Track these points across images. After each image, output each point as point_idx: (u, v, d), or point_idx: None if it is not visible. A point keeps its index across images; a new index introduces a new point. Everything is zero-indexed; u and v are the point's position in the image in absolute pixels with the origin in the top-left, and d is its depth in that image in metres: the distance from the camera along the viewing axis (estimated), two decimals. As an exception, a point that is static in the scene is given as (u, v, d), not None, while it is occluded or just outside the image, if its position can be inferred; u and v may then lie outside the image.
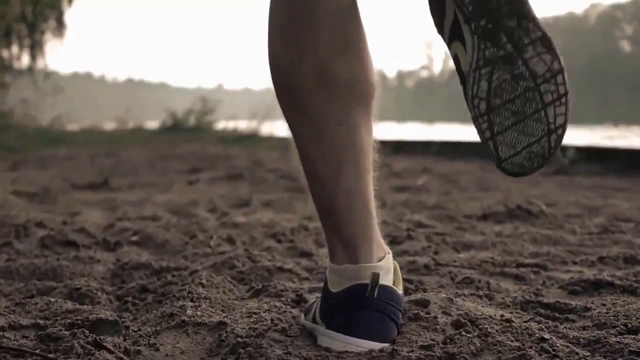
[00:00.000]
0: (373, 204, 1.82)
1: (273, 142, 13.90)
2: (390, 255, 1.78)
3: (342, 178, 1.73)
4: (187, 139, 16.16)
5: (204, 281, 2.16)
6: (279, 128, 16.97)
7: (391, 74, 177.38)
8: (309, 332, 1.76)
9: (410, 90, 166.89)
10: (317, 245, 2.99)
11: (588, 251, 2.85)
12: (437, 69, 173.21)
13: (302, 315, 1.86)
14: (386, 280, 1.70)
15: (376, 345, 1.63)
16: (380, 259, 1.73)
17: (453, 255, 2.69)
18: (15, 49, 26.45)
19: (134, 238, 3.09)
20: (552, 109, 1.59)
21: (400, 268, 1.96)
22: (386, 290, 1.69)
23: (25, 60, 26.27)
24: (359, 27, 1.69)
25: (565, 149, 9.49)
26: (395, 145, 12.17)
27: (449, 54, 1.70)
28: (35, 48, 26.35)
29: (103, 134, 19.16)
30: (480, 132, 1.62)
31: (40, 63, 26.45)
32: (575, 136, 15.44)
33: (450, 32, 1.67)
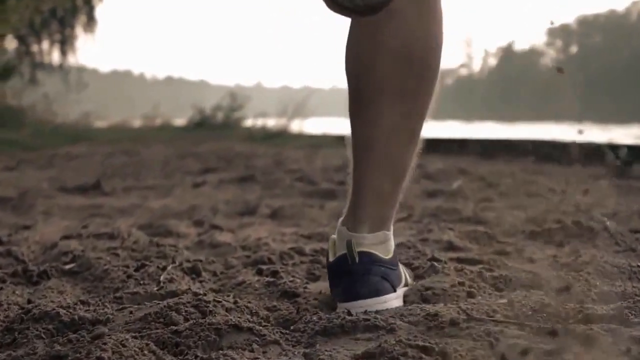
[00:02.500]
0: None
1: (302, 139, 13.21)
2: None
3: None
4: (214, 136, 15.50)
5: (108, 353, 1.40)
6: (309, 125, 16.35)
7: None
8: None
9: (448, 89, 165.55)
10: (307, 279, 2.23)
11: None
12: (476, 67, 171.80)
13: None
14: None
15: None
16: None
17: (492, 300, 1.90)
18: (45, 44, 26.03)
19: (69, 266, 2.34)
20: None
21: (416, 323, 1.72)
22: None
23: (56, 56, 25.85)
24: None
25: (616, 147, 8.69)
26: (430, 143, 11.34)
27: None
28: (66, 44, 25.87)
29: (129, 131, 18.54)
30: None
31: (71, 59, 25.95)
32: (623, 135, 14.58)
33: None
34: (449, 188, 5.57)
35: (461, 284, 2.00)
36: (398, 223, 3.81)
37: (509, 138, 11.34)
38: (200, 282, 2.19)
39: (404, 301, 1.93)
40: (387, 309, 1.83)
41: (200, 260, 2.43)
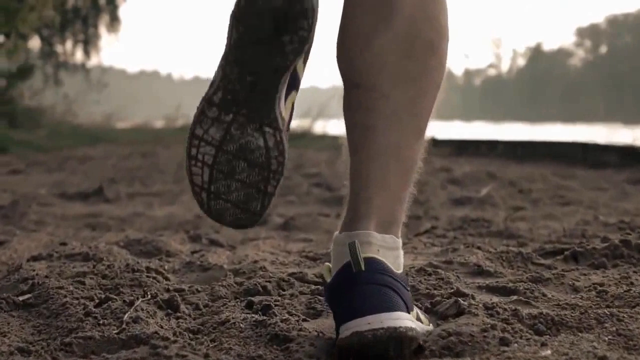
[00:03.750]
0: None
1: (325, 141, 12.83)
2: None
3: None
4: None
5: None
6: (333, 126, 15.94)
7: (458, 72, 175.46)
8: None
9: (476, 89, 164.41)
10: (305, 316, 1.85)
11: None
12: (505, 67, 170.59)
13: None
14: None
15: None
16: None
17: (532, 350, 1.50)
18: (69, 44, 25.77)
19: (24, 297, 1.96)
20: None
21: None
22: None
23: (79, 56, 25.58)
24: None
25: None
26: (457, 145, 10.97)
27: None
28: (89, 44, 25.60)
29: (150, 132, 18.24)
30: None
31: (94, 59, 25.68)
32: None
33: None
34: (477, 195, 5.17)
35: (493, 327, 1.61)
36: (419, 236, 3.43)
37: (538, 139, 10.89)
38: (177, 319, 1.80)
39: (422, 349, 1.55)
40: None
41: (182, 290, 2.05)
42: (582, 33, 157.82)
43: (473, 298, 1.90)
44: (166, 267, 2.39)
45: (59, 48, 25.47)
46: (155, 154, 10.84)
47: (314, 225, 3.88)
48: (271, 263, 2.35)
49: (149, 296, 1.91)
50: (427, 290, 2.04)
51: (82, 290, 1.98)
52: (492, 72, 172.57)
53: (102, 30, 26.11)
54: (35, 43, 23.53)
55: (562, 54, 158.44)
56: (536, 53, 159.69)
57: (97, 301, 1.88)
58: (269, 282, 2.10)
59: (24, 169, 7.92)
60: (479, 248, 2.66)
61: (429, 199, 5.15)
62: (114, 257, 2.50)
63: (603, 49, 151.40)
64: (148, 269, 2.25)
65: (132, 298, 1.88)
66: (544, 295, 2.02)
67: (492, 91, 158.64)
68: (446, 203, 4.96)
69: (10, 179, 6.65)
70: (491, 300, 1.88)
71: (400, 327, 1.47)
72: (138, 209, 4.69)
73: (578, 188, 5.95)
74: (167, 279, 2.23)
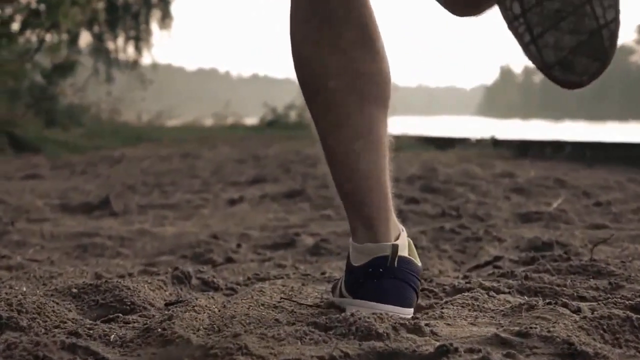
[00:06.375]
0: (389, 187, 1.87)
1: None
2: (405, 232, 1.89)
3: (361, 162, 1.81)
4: (286, 136, 14.49)
5: None
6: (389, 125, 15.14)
7: (518, 69, 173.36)
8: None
9: (536, 86, 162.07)
10: None
11: None
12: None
13: (331, 293, 2.04)
14: (404, 252, 1.84)
15: (400, 310, 1.79)
16: (397, 238, 1.85)
17: None
18: (120, 41, 25.27)
19: None
20: (598, 1, 1.40)
21: None
22: (404, 260, 1.83)
23: (130, 52, 25.08)
24: (375, 23, 1.81)
25: None
26: (519, 146, 10.12)
27: None
28: (141, 40, 25.10)
29: (199, 130, 17.63)
30: (517, 36, 1.46)
31: (146, 56, 25.23)
32: None
33: None
34: (548, 209, 4.38)
35: None
36: (478, 271, 2.69)
37: (609, 141, 9.99)
38: None
39: None
40: None
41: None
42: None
43: None
44: (112, 337, 1.65)
45: (110, 45, 25.02)
46: (197, 154, 10.18)
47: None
48: (260, 338, 1.59)
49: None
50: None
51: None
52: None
53: (154, 26, 25.66)
54: (85, 40, 23.12)
55: (623, 52, 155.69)
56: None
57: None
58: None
59: (44, 172, 7.28)
60: (565, 306, 1.87)
61: (490, 213, 4.38)
62: (43, 319, 1.76)
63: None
64: (85, 350, 1.51)
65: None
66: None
67: (552, 88, 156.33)
68: (511, 219, 4.18)
69: (19, 185, 5.99)
70: None
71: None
72: (145, 225, 3.98)
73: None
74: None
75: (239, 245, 3.47)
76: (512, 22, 1.46)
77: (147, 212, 4.50)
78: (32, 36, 14.77)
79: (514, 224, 4.06)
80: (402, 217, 3.99)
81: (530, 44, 1.45)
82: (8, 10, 14.23)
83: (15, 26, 14.32)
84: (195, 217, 4.34)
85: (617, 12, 1.43)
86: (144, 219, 4.24)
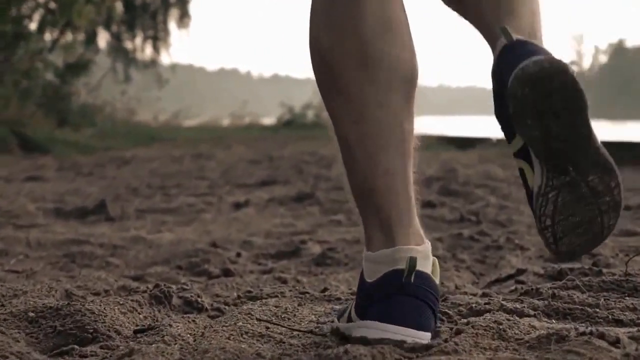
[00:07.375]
0: (413, 189, 1.75)
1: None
2: (429, 244, 1.72)
3: (381, 159, 1.70)
4: (302, 136, 14.23)
5: None
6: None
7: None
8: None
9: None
10: None
11: None
12: (586, 64, 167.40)
13: (336, 320, 1.85)
14: (424, 266, 1.67)
15: (414, 333, 1.61)
16: (418, 245, 1.69)
17: None
18: (138, 40, 25.09)
19: None
20: (607, 215, 1.64)
21: None
22: (422, 275, 1.66)
23: (148, 52, 24.92)
24: (400, 9, 1.71)
25: None
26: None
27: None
28: (159, 40, 24.93)
29: (215, 130, 17.40)
30: (544, 238, 1.66)
31: (165, 56, 25.04)
32: None
33: (519, 152, 1.66)
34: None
35: None
36: (499, 285, 2.41)
37: (635, 140, 9.68)
38: None
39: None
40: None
41: None
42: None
43: None
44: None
45: (128, 44, 24.89)
46: (210, 155, 9.93)
47: (359, 258, 2.87)
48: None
49: None
50: None
51: None
52: (573, 69, 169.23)
53: (172, 26, 25.49)
54: (104, 39, 22.98)
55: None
56: (618, 50, 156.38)
57: None
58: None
59: (48, 174, 7.04)
60: (601, 337, 1.58)
61: (512, 218, 4.10)
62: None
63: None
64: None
65: None
66: None
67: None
68: (533, 225, 3.89)
69: (17, 187, 5.74)
70: None
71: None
72: (141, 231, 3.72)
73: None
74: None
75: (238, 255, 3.21)
76: (543, 230, 1.66)
77: (145, 217, 4.24)
78: (45, 35, 14.58)
79: (536, 230, 3.77)
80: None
81: (552, 245, 1.67)
82: (24, 10, 14.05)
83: (33, 26, 14.14)
84: (196, 222, 4.08)
85: (617, 217, 1.66)
86: (140, 225, 3.98)
